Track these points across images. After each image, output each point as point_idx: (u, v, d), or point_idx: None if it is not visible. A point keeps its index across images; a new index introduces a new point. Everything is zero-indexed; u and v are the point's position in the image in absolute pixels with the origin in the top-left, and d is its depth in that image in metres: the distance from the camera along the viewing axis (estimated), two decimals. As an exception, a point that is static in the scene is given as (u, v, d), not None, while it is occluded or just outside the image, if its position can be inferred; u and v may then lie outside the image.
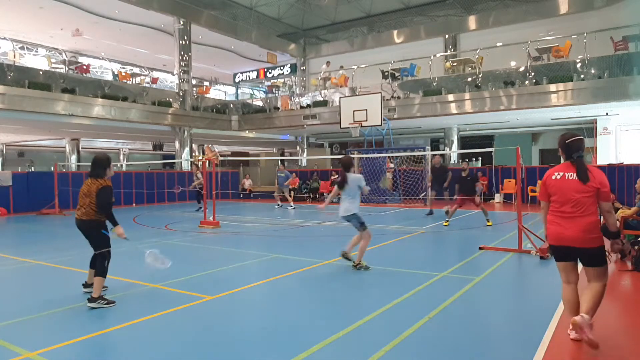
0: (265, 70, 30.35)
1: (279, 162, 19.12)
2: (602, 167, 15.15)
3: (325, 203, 7.54)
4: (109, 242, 5.22)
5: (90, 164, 5.31)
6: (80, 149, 26.70)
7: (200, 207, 14.80)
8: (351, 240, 6.91)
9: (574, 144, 3.83)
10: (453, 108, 17.88)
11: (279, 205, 17.06)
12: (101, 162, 5.22)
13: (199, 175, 15.12)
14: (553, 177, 3.87)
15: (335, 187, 6.89)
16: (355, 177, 6.76)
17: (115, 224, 5.18)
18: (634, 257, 6.39)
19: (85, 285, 5.52)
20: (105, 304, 4.95)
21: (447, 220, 11.35)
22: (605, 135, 18.96)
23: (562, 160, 4.06)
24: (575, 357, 3.69)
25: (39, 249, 8.91)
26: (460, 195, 11.02)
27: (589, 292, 3.79)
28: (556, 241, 3.84)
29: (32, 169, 25.55)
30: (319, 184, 20.84)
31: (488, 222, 11.09)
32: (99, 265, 5.12)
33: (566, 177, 3.79)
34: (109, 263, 5.19)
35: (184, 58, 21.55)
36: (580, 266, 3.96)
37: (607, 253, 3.91)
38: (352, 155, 18.24)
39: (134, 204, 18.28)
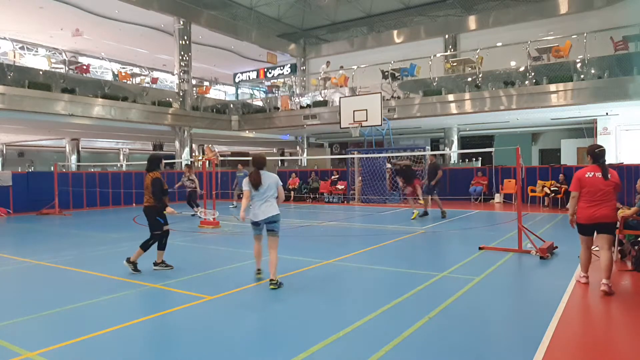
0: (265, 70, 30.35)
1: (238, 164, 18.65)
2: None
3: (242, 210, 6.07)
4: (160, 227, 6.55)
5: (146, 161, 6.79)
6: (80, 149, 26.71)
7: (194, 213, 13.68)
8: (263, 258, 5.99)
9: (601, 153, 5.41)
10: (453, 108, 17.88)
11: (233, 205, 17.09)
12: (154, 159, 6.70)
13: (192, 177, 14.12)
14: (587, 175, 5.37)
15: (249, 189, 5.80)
16: (271, 176, 5.85)
17: (165, 207, 6.55)
18: (634, 257, 6.39)
19: (155, 264, 6.70)
20: (133, 268, 6.43)
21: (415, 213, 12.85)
22: (605, 135, 18.96)
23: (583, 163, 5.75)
24: (575, 356, 3.69)
25: (39, 249, 8.91)
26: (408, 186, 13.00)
27: (604, 263, 5.28)
28: (588, 220, 5.34)
29: (32, 169, 25.56)
30: (318, 184, 20.84)
31: (414, 214, 12.67)
32: (145, 241, 6.51)
33: (596, 176, 5.32)
34: (154, 244, 6.57)
35: (184, 58, 21.55)
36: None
37: None
38: (352, 155, 18.40)
39: (134, 204, 18.28)
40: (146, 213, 6.59)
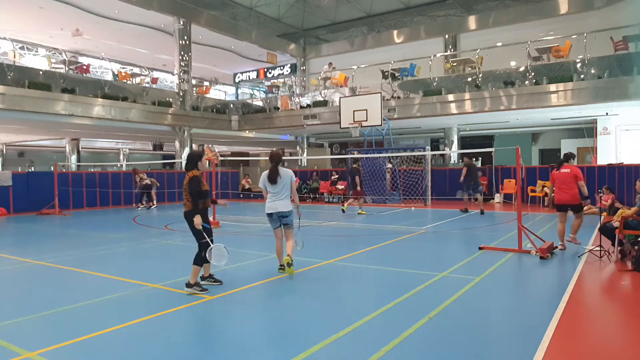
0: (265, 70, 30.33)
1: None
2: (602, 167, 15.16)
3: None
4: (206, 234, 5.57)
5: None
6: (80, 149, 26.70)
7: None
8: (277, 250, 6.64)
9: (562, 161, 8.00)
10: (453, 108, 17.87)
11: (143, 206, 17.60)
12: (192, 157, 5.79)
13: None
14: (556, 172, 7.92)
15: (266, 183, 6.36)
16: (287, 171, 6.40)
17: (196, 212, 5.54)
18: (634, 257, 6.39)
19: (202, 277, 5.82)
20: (199, 290, 5.43)
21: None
22: (605, 135, 18.95)
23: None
24: (575, 356, 3.69)
25: (39, 249, 8.91)
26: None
27: (574, 225, 7.97)
28: (558, 202, 7.92)
29: (32, 169, 25.56)
30: (319, 184, 20.85)
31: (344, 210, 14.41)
32: (197, 255, 5.59)
33: (561, 172, 7.85)
34: (206, 254, 5.46)
35: (184, 58, 21.54)
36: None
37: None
38: (353, 155, 18.40)
39: (134, 204, 18.28)
40: (187, 218, 5.63)
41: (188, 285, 5.47)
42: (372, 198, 17.96)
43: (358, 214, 14.19)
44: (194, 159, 5.77)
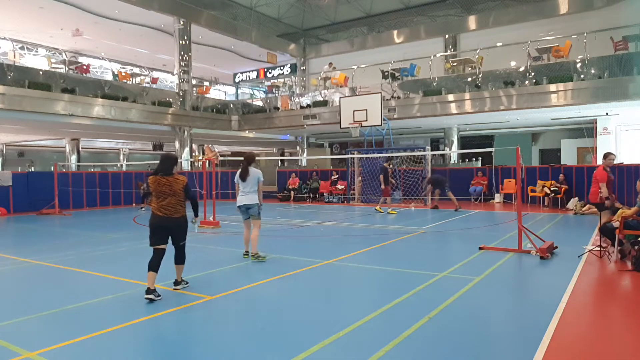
0: (265, 70, 30.34)
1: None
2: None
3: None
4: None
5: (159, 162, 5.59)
6: (80, 149, 26.70)
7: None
8: (244, 238, 7.61)
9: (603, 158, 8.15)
10: (453, 108, 17.87)
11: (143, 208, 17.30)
12: (172, 161, 5.59)
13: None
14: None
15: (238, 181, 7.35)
16: (256, 171, 7.32)
17: (197, 214, 5.87)
18: (634, 257, 6.39)
19: (148, 291, 5.18)
20: (185, 284, 5.74)
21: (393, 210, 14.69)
22: (605, 135, 18.95)
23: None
24: (575, 356, 3.69)
25: (39, 249, 8.91)
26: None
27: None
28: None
29: (32, 169, 25.55)
30: (318, 184, 20.84)
31: (380, 210, 14.77)
32: (183, 255, 5.68)
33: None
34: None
35: (184, 58, 21.54)
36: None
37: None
38: (352, 155, 18.44)
39: (134, 204, 18.28)
40: (182, 224, 5.52)
41: (176, 283, 5.71)
42: (371, 198, 17.96)
43: (376, 210, 14.92)
44: (174, 162, 5.55)
